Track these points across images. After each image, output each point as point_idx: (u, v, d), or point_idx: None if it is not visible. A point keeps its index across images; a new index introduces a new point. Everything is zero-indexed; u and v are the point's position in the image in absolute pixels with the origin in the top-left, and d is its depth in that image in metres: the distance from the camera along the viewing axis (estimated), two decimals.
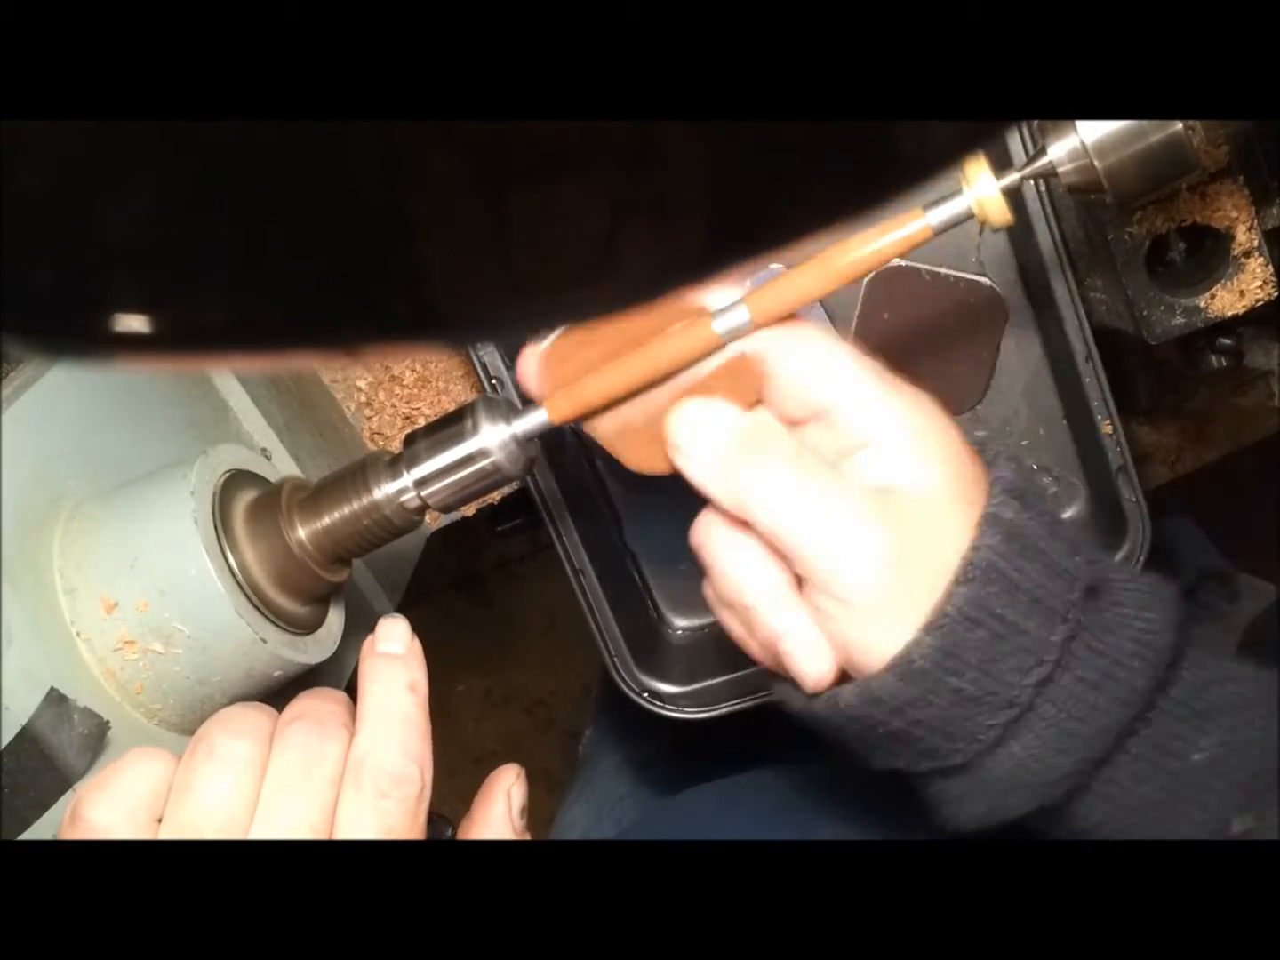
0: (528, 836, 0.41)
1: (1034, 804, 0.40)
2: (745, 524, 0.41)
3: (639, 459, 0.44)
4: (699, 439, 0.41)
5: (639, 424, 0.43)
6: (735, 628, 0.44)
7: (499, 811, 0.40)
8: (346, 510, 0.46)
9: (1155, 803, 0.40)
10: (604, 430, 0.44)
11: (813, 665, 0.41)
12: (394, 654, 0.37)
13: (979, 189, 0.39)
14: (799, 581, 0.41)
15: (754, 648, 0.44)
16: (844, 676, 0.41)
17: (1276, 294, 0.53)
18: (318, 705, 0.37)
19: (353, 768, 0.35)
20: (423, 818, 0.35)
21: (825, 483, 0.39)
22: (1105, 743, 0.39)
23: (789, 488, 0.39)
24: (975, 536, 0.39)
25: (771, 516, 0.40)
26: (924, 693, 0.38)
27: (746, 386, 0.42)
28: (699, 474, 0.41)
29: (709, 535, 0.42)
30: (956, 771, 0.40)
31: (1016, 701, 0.38)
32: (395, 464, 0.45)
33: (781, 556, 0.40)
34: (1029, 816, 0.41)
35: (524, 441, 0.44)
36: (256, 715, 0.36)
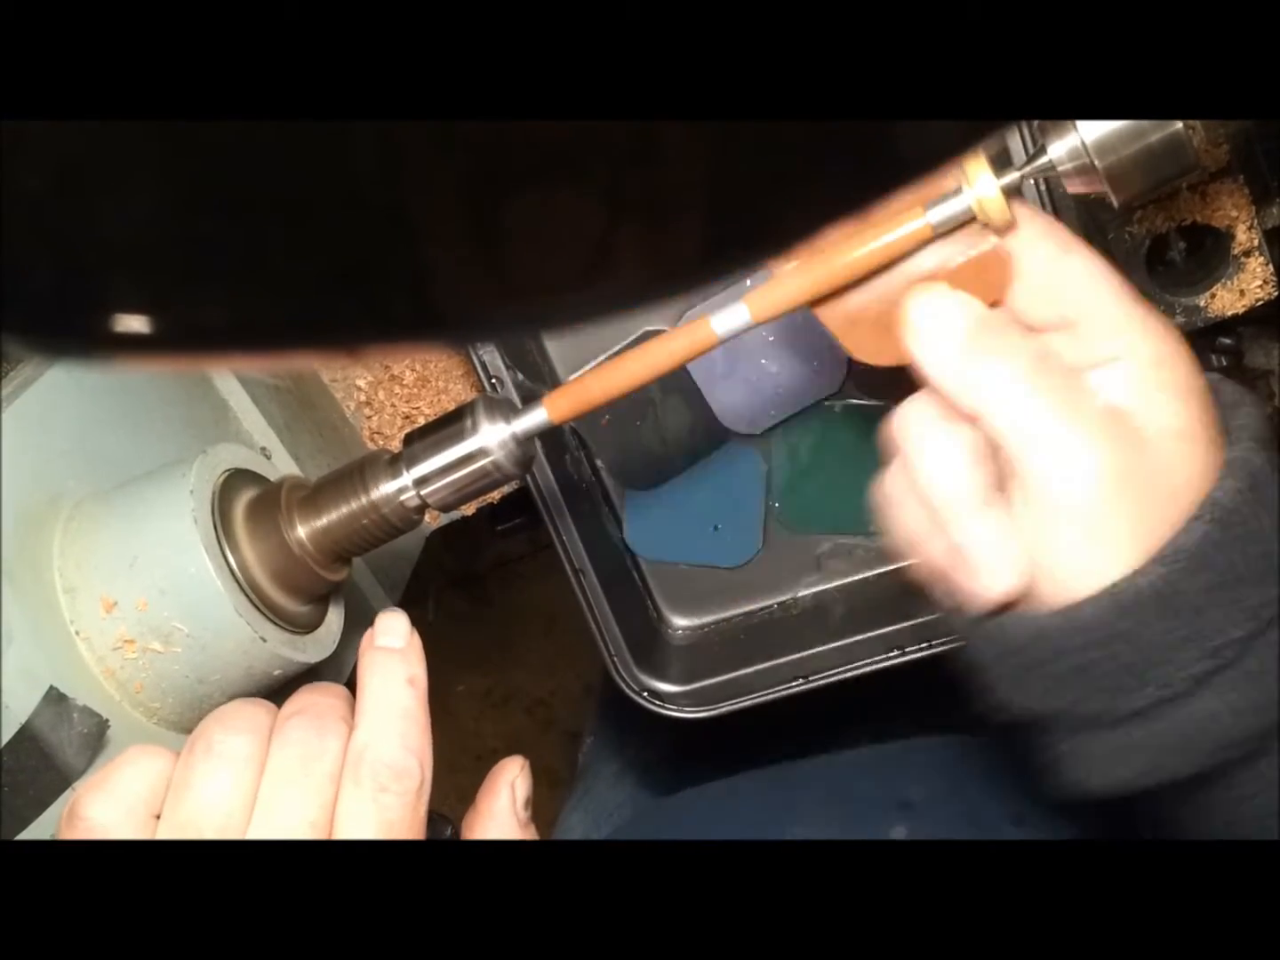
0: (532, 828, 0.41)
1: (1206, 763, 0.38)
2: (964, 418, 0.39)
3: (869, 349, 0.42)
4: (939, 324, 0.39)
5: (872, 313, 0.41)
6: (914, 527, 0.41)
7: (503, 804, 0.40)
8: (346, 509, 0.46)
9: None
10: (832, 318, 0.42)
11: (999, 578, 0.38)
12: (393, 648, 0.37)
13: (979, 188, 0.39)
14: (1004, 491, 0.39)
15: (929, 552, 0.40)
16: (1010, 606, 0.39)
17: (1276, 293, 0.53)
18: (317, 700, 0.37)
19: (352, 762, 0.35)
20: (423, 812, 0.35)
21: (1065, 389, 0.38)
22: None
23: (1027, 385, 0.37)
24: (1219, 477, 0.37)
25: (1004, 410, 0.37)
26: (1134, 626, 0.36)
27: (990, 285, 0.40)
28: (934, 359, 0.39)
29: (917, 421, 0.40)
30: (1126, 721, 0.38)
31: (1221, 652, 0.36)
32: (395, 463, 0.45)
33: (994, 461, 0.39)
34: (1181, 782, 0.38)
35: (524, 441, 0.44)
36: (255, 711, 0.36)
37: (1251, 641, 0.37)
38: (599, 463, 0.65)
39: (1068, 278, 0.40)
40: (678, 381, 0.62)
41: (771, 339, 0.61)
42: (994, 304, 0.40)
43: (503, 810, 0.40)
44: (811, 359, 0.61)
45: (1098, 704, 0.38)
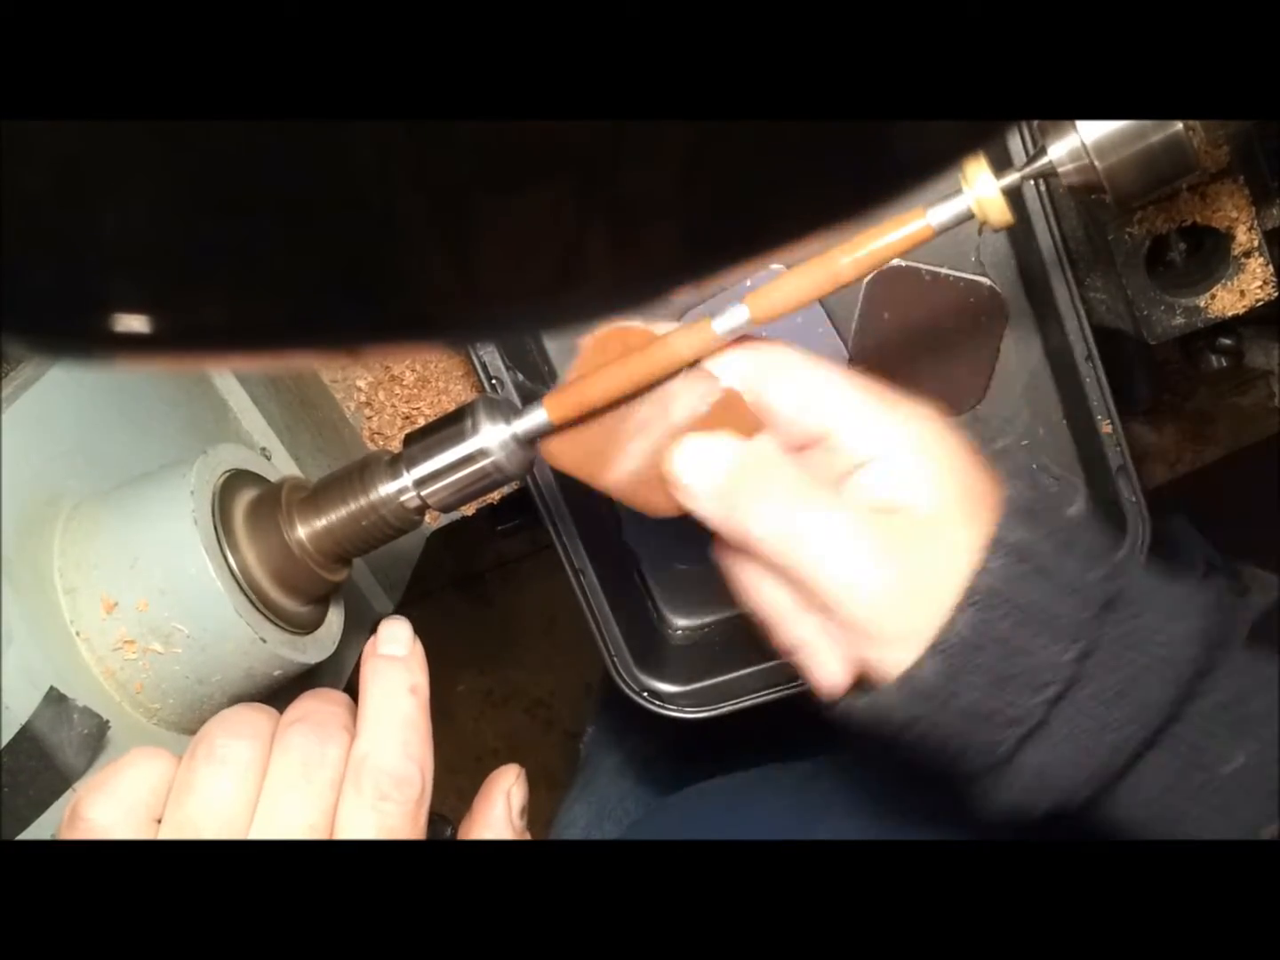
0: (528, 837, 0.41)
1: (1053, 808, 0.40)
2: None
3: (653, 504, 0.45)
4: (697, 473, 0.42)
5: (646, 471, 0.43)
6: (763, 619, 0.44)
7: (499, 812, 0.40)
8: (346, 510, 0.45)
9: (1181, 812, 0.40)
10: (616, 484, 0.44)
11: (826, 676, 0.41)
12: (396, 656, 0.37)
13: (979, 189, 0.39)
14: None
15: (778, 644, 0.44)
16: (863, 680, 0.41)
17: (1276, 294, 0.53)
18: (319, 707, 0.37)
19: (353, 770, 0.35)
20: (423, 819, 0.35)
21: (825, 510, 0.39)
22: (1120, 759, 0.39)
23: (788, 517, 0.40)
24: (980, 560, 0.38)
25: (773, 548, 0.40)
26: (931, 710, 0.39)
27: (745, 419, 0.42)
28: (702, 510, 0.42)
29: (725, 557, 0.43)
30: (976, 776, 0.41)
31: (1027, 720, 0.38)
32: (395, 464, 0.45)
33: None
34: (1052, 819, 0.41)
35: (524, 441, 0.44)
36: (257, 716, 0.36)
37: (1056, 704, 0.38)
38: None
39: (811, 394, 0.41)
40: None
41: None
42: (755, 433, 0.42)
43: (498, 818, 0.40)
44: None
45: (944, 767, 0.41)
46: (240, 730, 0.35)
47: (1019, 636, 0.38)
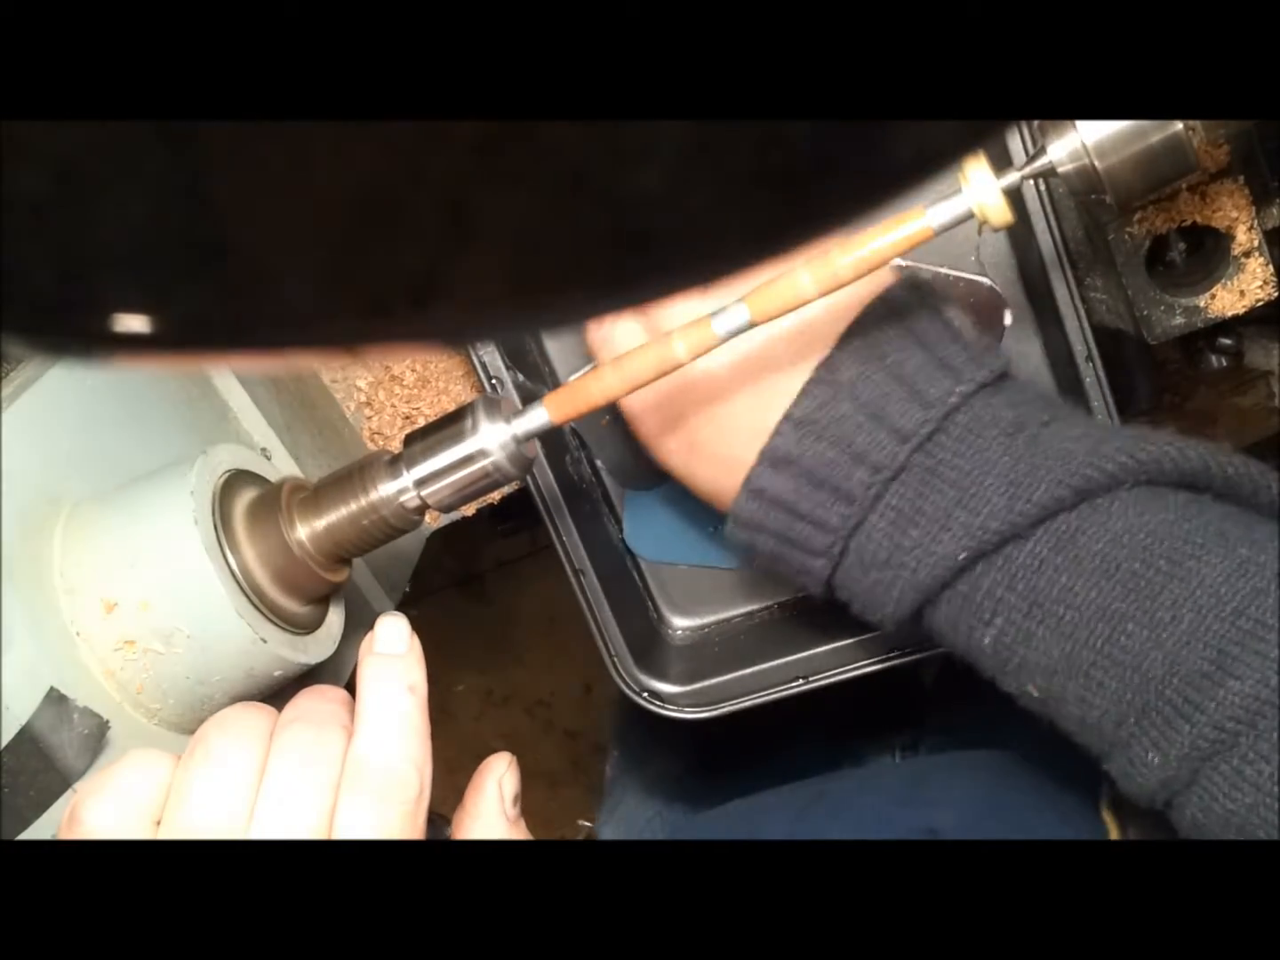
0: (521, 825, 0.40)
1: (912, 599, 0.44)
2: None
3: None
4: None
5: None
6: None
7: (491, 801, 0.39)
8: (346, 510, 0.45)
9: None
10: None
11: None
12: (394, 654, 0.37)
13: (979, 189, 0.39)
14: None
15: None
16: None
17: (1277, 294, 0.53)
18: (317, 705, 0.36)
19: (351, 770, 0.35)
20: (422, 819, 0.35)
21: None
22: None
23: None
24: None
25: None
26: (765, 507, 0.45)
27: None
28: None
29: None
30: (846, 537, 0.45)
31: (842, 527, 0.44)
32: (395, 464, 0.45)
33: None
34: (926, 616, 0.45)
35: (524, 441, 0.44)
36: (255, 716, 0.36)
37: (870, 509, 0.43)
38: (599, 463, 0.65)
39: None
40: None
41: None
42: None
43: (491, 809, 0.39)
44: None
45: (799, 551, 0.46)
46: (237, 731, 0.35)
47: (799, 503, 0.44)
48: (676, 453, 0.49)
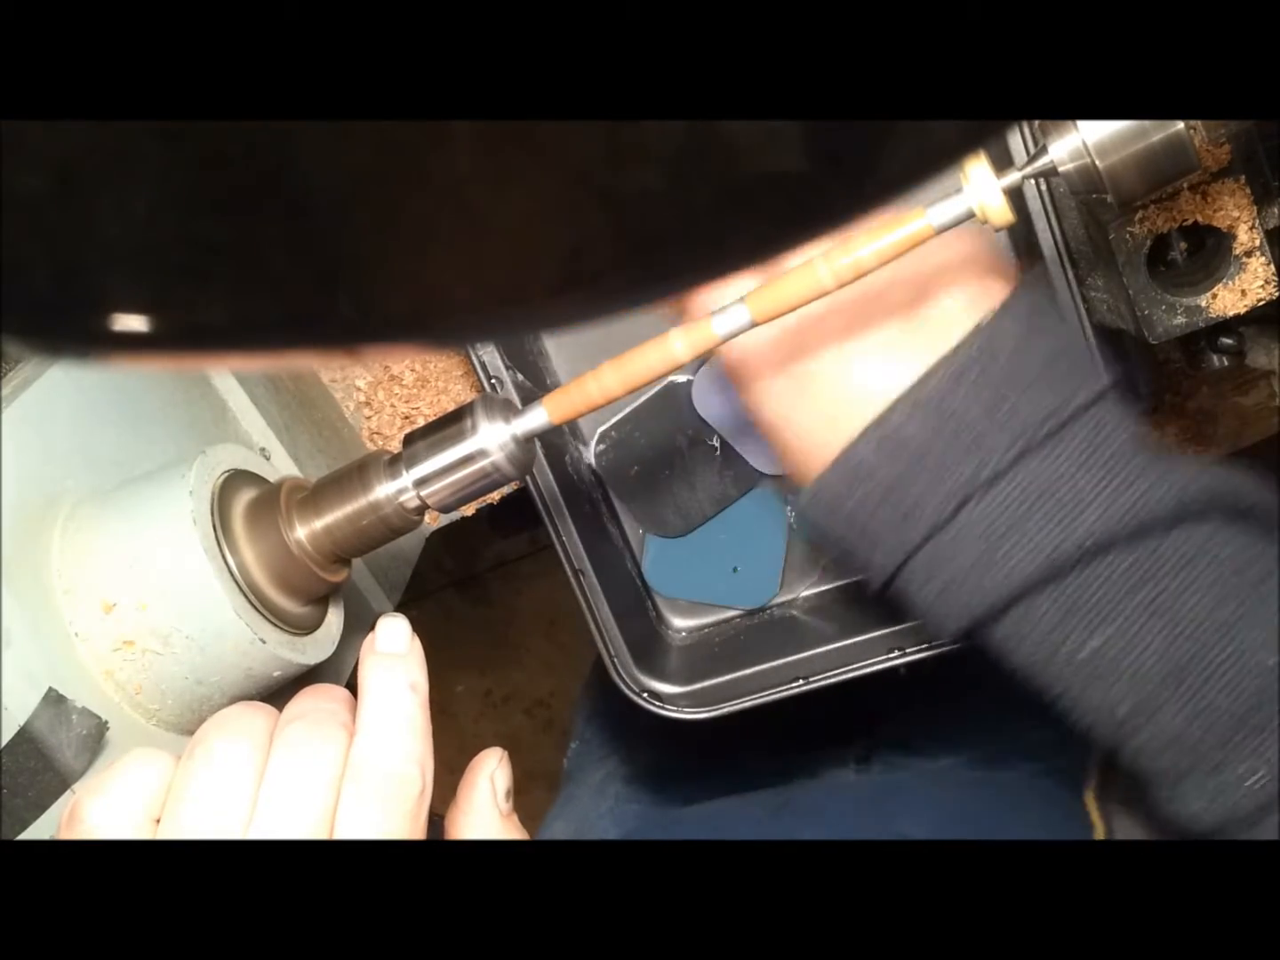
0: (514, 819, 0.40)
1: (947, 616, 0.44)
2: None
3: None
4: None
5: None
6: None
7: (483, 797, 0.39)
8: (345, 510, 0.45)
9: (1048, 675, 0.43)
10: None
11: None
12: (394, 653, 0.37)
13: (980, 188, 0.39)
14: None
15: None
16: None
17: (1278, 293, 0.53)
18: (317, 705, 0.36)
19: (353, 770, 0.35)
20: (423, 819, 0.35)
21: None
22: (1010, 586, 0.42)
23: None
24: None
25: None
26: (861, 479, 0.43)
27: None
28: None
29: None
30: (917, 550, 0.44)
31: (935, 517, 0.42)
32: (394, 464, 0.45)
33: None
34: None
35: (524, 441, 0.44)
36: (255, 716, 0.36)
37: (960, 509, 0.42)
38: (599, 463, 0.65)
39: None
40: (704, 429, 0.62)
41: None
42: None
43: (483, 803, 0.39)
44: None
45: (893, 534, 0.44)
46: (237, 730, 0.35)
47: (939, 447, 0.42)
48: (782, 395, 0.45)
